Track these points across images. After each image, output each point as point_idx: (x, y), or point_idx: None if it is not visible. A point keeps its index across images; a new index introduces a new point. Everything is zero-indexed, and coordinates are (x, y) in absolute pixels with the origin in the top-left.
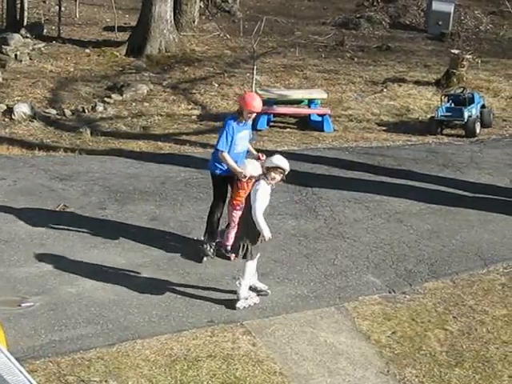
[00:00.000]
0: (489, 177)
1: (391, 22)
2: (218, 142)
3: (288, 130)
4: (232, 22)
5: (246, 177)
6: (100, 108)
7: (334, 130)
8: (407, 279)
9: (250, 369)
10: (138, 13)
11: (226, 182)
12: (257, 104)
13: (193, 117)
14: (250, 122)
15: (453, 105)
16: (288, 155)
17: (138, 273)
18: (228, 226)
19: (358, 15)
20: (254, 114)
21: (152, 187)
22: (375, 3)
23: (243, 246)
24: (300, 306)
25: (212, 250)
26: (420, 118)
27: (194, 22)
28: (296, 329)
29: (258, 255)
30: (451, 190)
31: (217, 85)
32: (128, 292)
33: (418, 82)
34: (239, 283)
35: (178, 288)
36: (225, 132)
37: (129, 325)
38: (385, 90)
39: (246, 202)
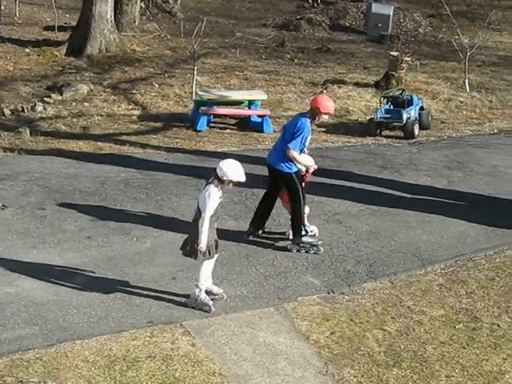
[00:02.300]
0: (427, 178)
1: (331, 24)
2: (292, 141)
3: (228, 130)
4: (173, 22)
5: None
6: (40, 108)
7: (274, 131)
8: (346, 280)
9: (189, 369)
10: (78, 12)
11: (296, 177)
12: (332, 106)
13: (133, 117)
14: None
15: (392, 107)
16: (228, 156)
17: (77, 273)
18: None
19: (298, 17)
20: (327, 117)
21: (92, 187)
22: (315, 5)
23: (190, 245)
24: (239, 307)
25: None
26: (359, 119)
27: (134, 22)
28: (235, 329)
29: (208, 261)
30: (390, 192)
31: (157, 85)
32: (67, 292)
33: (357, 84)
34: (195, 284)
35: (117, 288)
36: (303, 134)
37: (68, 325)
38: (324, 91)
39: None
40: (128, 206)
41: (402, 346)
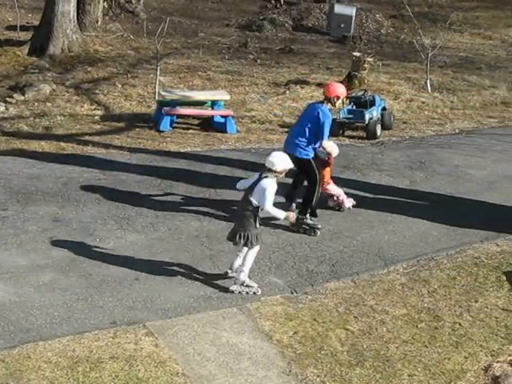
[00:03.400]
0: (389, 178)
1: (294, 25)
2: (323, 135)
3: (191, 131)
4: (136, 22)
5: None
6: (1, 108)
7: (237, 132)
8: (309, 280)
9: (152, 370)
10: (41, 12)
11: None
12: (343, 90)
13: (96, 117)
14: None
15: (354, 107)
16: (191, 156)
17: (39, 274)
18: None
19: (261, 17)
20: (341, 101)
21: (54, 188)
22: (278, 6)
23: (243, 235)
24: (202, 307)
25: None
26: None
27: (97, 22)
28: (198, 329)
29: (258, 246)
30: (352, 192)
31: (120, 85)
32: (29, 293)
33: (320, 85)
34: (239, 269)
35: (80, 289)
36: (329, 125)
37: (30, 327)
38: (287, 91)
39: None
40: (91, 206)
41: (365, 346)
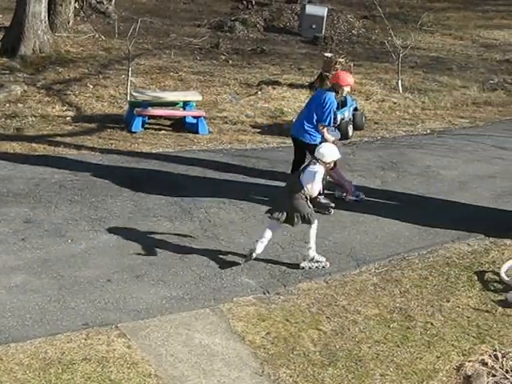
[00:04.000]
0: (361, 178)
1: (266, 26)
2: (324, 118)
3: (163, 132)
4: (107, 23)
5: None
6: None
7: (209, 132)
8: (281, 280)
9: (124, 371)
10: (11, 13)
11: None
12: (351, 79)
13: (67, 118)
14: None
15: None
16: (163, 157)
17: (11, 275)
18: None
19: (232, 18)
20: (349, 88)
21: (26, 189)
22: (250, 6)
23: (300, 216)
24: (175, 308)
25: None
26: (294, 120)
27: (68, 22)
28: (171, 330)
29: (317, 221)
30: (325, 192)
31: (91, 86)
32: (1, 295)
33: (291, 85)
34: (307, 247)
35: (52, 291)
36: (331, 108)
37: (2, 328)
38: (259, 92)
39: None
40: (63, 207)
41: (337, 346)
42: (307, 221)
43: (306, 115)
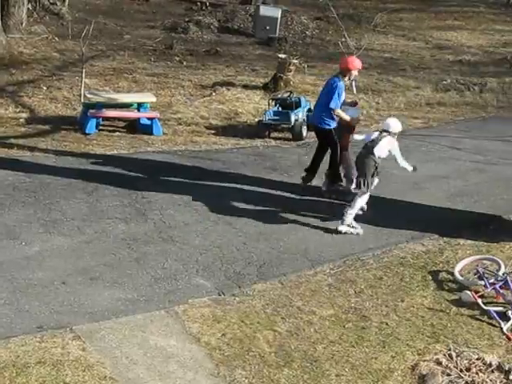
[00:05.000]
0: (315, 179)
1: (220, 27)
2: (330, 102)
3: (117, 133)
4: (61, 24)
5: (356, 121)
6: None
7: (164, 134)
8: (236, 281)
9: (80, 374)
10: None
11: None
12: (359, 63)
13: (21, 120)
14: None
15: (280, 109)
16: (117, 159)
17: None
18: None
19: (186, 19)
20: (357, 72)
21: None
22: (204, 8)
23: (365, 182)
24: (130, 310)
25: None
26: (248, 121)
27: (21, 24)
28: (126, 333)
29: (369, 194)
30: (279, 193)
31: (45, 88)
32: None
33: (246, 86)
34: (346, 211)
35: (5, 294)
36: (337, 93)
37: None
38: (214, 93)
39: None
40: (16, 210)
41: (293, 346)
42: (366, 188)
43: (318, 102)
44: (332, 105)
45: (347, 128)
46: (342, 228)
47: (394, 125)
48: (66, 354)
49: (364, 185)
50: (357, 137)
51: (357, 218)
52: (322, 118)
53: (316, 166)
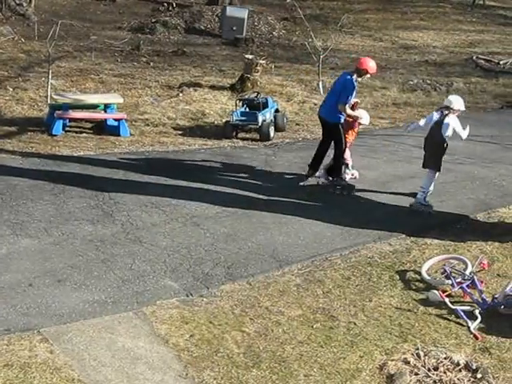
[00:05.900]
0: (283, 180)
1: (187, 27)
2: (342, 98)
3: (84, 134)
4: (27, 25)
5: (361, 119)
6: None
7: (131, 135)
8: (204, 282)
9: (47, 377)
10: None
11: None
12: (375, 66)
13: None
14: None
15: (247, 109)
16: (84, 160)
17: None
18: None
19: (153, 20)
20: (368, 75)
21: None
22: (170, 8)
23: (437, 161)
24: (98, 312)
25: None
26: (215, 122)
27: None
28: (94, 335)
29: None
30: (246, 193)
31: (11, 89)
32: None
33: (213, 87)
34: (423, 190)
35: None
36: (351, 90)
37: None
38: (180, 94)
39: None
40: None
41: (261, 347)
42: (436, 168)
43: (330, 96)
44: (343, 100)
45: (352, 124)
46: (415, 204)
47: (456, 101)
48: (33, 356)
49: (436, 164)
50: (419, 123)
51: (323, 217)
52: (330, 111)
53: (319, 160)
